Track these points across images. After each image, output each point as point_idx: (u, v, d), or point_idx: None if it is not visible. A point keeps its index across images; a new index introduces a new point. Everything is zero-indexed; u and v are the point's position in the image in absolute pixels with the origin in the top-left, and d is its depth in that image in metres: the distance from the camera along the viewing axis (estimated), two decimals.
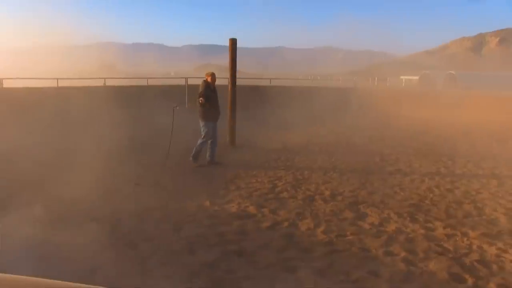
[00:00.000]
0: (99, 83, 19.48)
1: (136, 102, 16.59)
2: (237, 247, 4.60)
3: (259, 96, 19.40)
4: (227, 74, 11.20)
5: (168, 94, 17.37)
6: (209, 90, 8.59)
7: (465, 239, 4.97)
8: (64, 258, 4.11)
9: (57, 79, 17.53)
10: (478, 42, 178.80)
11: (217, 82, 8.99)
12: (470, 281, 3.91)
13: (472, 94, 22.86)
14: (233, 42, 10.71)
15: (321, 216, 5.73)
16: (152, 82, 21.79)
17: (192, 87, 17.93)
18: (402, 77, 53.61)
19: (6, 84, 16.07)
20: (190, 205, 6.08)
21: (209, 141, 8.81)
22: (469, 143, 12.35)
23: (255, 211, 5.86)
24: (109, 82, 20.05)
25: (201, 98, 8.35)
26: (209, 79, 8.71)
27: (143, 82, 21.37)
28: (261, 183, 7.43)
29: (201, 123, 8.72)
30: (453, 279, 3.96)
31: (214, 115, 8.72)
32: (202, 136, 8.70)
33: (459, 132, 14.66)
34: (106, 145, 10.13)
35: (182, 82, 19.49)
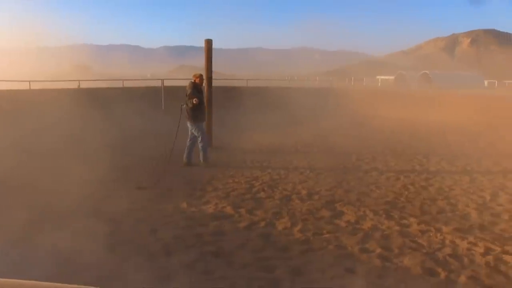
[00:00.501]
0: (74, 85, 19.18)
1: (112, 104, 16.35)
2: (214, 247, 4.59)
3: (236, 97, 19.37)
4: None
5: (144, 96, 17.24)
6: (197, 91, 8.60)
7: (438, 234, 5.08)
8: (39, 261, 4.03)
9: (30, 81, 17.19)
10: (451, 42, 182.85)
11: None
12: (442, 274, 4.01)
13: (446, 93, 23.36)
14: (209, 43, 10.68)
15: (298, 215, 5.77)
16: (128, 84, 21.53)
17: (168, 89, 17.81)
18: (378, 77, 54.54)
19: None
20: (167, 206, 6.04)
21: (188, 141, 8.81)
22: (443, 141, 12.63)
23: (232, 212, 5.86)
24: (84, 84, 19.76)
25: (195, 99, 8.33)
26: (197, 81, 8.76)
27: (119, 84, 21.11)
28: (238, 184, 7.43)
29: (192, 126, 8.69)
30: (427, 273, 4.05)
31: (202, 116, 8.78)
32: (200, 139, 8.71)
33: (433, 131, 14.96)
34: (83, 148, 9.99)
35: (158, 84, 19.32)
